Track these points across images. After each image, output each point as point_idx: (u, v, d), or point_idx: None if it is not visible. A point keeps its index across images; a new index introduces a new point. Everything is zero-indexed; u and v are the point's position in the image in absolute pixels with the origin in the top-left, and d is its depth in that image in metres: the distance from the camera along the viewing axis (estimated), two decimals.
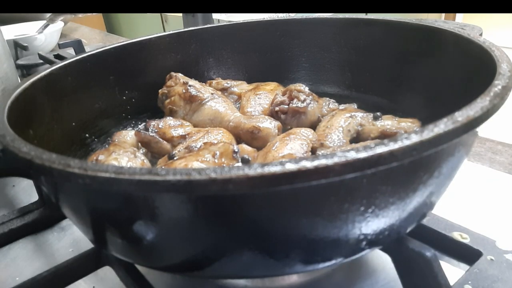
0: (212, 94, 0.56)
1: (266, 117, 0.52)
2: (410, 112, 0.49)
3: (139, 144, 0.50)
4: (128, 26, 3.43)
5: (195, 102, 0.55)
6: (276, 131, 0.50)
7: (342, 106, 0.55)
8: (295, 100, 0.53)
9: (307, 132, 0.46)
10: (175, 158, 0.41)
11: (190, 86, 0.56)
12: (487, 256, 0.38)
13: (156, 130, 0.49)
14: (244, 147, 0.45)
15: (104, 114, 0.56)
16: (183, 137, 0.49)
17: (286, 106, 0.53)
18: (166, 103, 0.57)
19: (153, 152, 0.49)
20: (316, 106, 0.53)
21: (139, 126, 0.59)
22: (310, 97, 0.53)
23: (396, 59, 0.54)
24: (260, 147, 0.47)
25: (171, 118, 0.53)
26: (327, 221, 0.27)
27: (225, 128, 0.52)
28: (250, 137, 0.50)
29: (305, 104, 0.52)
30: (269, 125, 0.50)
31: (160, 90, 0.59)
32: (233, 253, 0.29)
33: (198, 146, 0.44)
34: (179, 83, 0.57)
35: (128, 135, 0.51)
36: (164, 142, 0.48)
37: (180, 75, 0.59)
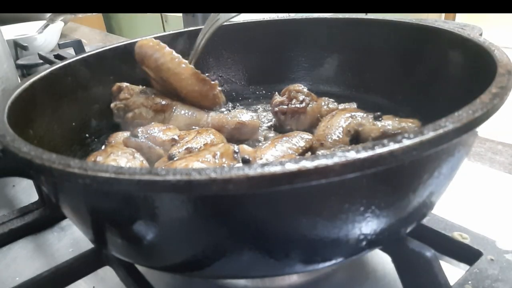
0: (170, 98, 0.55)
1: (243, 111, 0.55)
2: (410, 112, 0.49)
3: None
4: (128, 26, 3.43)
5: (168, 111, 0.54)
6: (258, 120, 0.53)
7: (342, 106, 0.55)
8: (294, 100, 0.53)
9: (302, 136, 0.46)
10: (175, 159, 0.41)
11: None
12: (487, 256, 0.38)
13: (146, 136, 0.49)
14: (245, 147, 0.45)
15: (104, 114, 0.56)
16: (174, 141, 0.49)
17: (285, 107, 0.53)
18: (130, 117, 0.54)
19: (144, 158, 0.47)
20: (315, 106, 0.53)
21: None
22: (309, 97, 0.53)
23: (396, 59, 0.54)
24: (250, 139, 0.51)
25: (157, 122, 0.51)
26: (327, 221, 0.27)
27: None
28: (238, 132, 0.52)
29: (304, 104, 0.52)
30: (251, 117, 0.53)
31: (113, 105, 0.55)
32: (233, 253, 0.29)
33: (198, 147, 0.44)
34: (135, 93, 0.54)
35: (124, 136, 0.51)
36: (157, 147, 0.48)
37: (128, 85, 0.55)
